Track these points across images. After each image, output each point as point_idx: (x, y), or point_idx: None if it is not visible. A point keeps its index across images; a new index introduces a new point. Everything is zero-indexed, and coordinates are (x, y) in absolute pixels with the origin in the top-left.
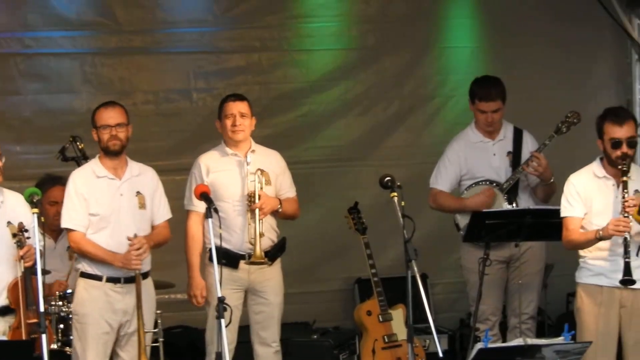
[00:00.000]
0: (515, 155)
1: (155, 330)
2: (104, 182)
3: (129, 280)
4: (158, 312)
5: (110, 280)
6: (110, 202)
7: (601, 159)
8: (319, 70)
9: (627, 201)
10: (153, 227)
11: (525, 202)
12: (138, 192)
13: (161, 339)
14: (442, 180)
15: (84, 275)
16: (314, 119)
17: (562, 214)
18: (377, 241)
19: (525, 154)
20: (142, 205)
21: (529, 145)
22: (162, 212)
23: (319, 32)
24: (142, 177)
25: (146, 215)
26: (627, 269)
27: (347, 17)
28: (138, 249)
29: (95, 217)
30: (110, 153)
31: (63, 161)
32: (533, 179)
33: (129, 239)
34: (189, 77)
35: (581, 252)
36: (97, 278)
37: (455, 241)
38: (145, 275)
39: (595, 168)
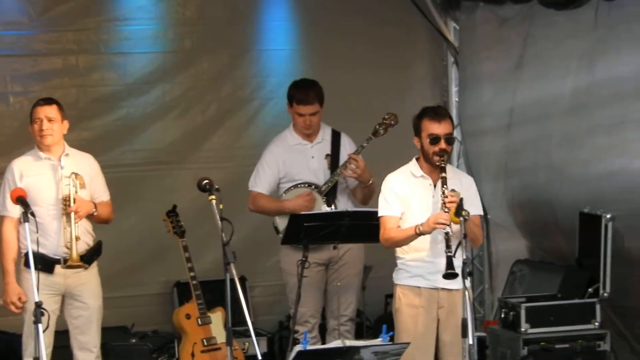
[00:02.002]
0: (333, 158)
1: None
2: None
3: None
4: None
5: None
6: None
7: (417, 159)
8: (137, 73)
9: (447, 196)
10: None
11: (344, 204)
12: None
13: None
14: (261, 182)
15: None
16: (131, 122)
17: (380, 213)
18: (195, 244)
19: (343, 156)
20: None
21: (347, 147)
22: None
23: (136, 34)
24: None
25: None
26: (450, 264)
27: (164, 20)
28: None
29: None
30: None
31: None
32: (352, 181)
33: None
34: (5, 81)
35: (399, 254)
36: None
37: (274, 244)
38: None
39: (412, 167)
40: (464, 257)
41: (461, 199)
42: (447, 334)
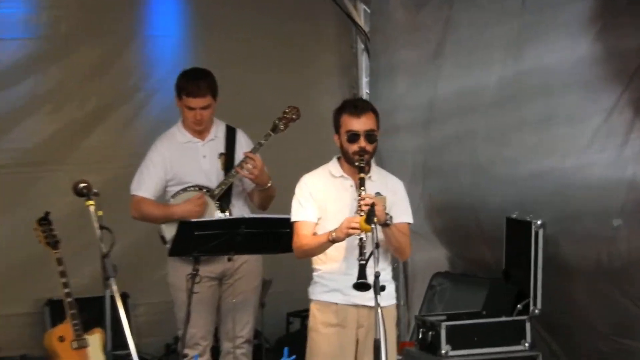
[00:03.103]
0: (228, 157)
1: None
2: None
3: None
4: None
5: None
6: None
7: (339, 158)
8: (4, 63)
9: (363, 199)
10: None
11: (239, 209)
12: None
13: None
14: (145, 186)
15: None
16: None
17: (293, 218)
18: (71, 256)
19: (239, 156)
20: None
21: (243, 145)
22: None
23: (4, 19)
24: None
25: None
26: (362, 272)
27: (36, 2)
28: None
29: None
30: None
31: None
32: (248, 183)
33: None
34: None
35: (314, 264)
36: None
37: (161, 255)
38: None
39: (332, 167)
40: (376, 270)
41: (372, 204)
42: (367, 357)
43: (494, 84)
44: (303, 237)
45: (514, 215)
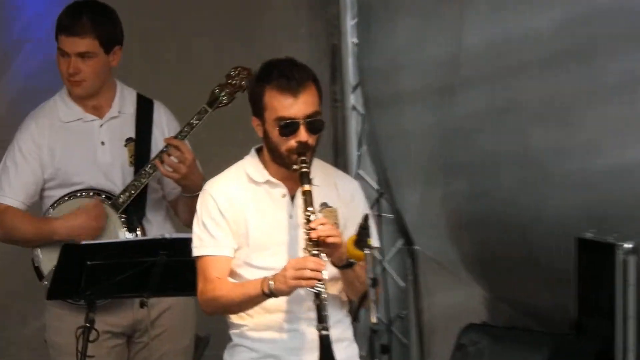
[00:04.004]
0: (140, 145)
1: None
2: None
3: None
4: None
5: None
6: None
7: (259, 152)
8: None
9: (311, 227)
10: None
11: (158, 227)
12: None
13: None
14: (11, 188)
15: None
16: None
17: (196, 252)
18: None
19: (158, 143)
20: None
21: (164, 126)
22: None
23: None
24: None
25: None
26: (326, 349)
27: None
28: None
29: None
30: None
31: None
32: (171, 186)
33: None
34: None
35: (234, 319)
36: None
37: (36, 297)
38: None
39: (251, 167)
40: (374, 322)
41: (366, 217)
42: None
43: (553, 30)
44: (216, 283)
45: (587, 235)
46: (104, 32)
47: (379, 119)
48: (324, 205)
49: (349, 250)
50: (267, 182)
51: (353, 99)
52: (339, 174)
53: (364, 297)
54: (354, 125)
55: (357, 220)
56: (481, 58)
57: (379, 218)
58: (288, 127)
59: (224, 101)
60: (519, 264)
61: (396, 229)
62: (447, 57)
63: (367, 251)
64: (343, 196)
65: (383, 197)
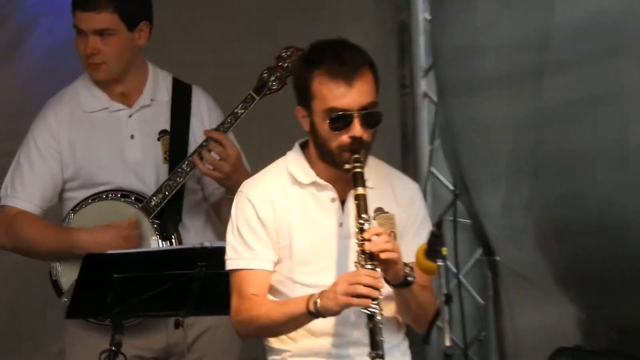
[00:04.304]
0: (176, 139)
1: None
2: None
3: None
4: None
5: None
6: None
7: (303, 148)
8: None
9: (364, 238)
10: None
11: (196, 234)
12: None
13: None
14: (25, 190)
15: None
16: None
17: (230, 266)
18: None
19: (197, 136)
20: None
21: (204, 117)
22: None
23: None
24: None
25: None
26: None
27: None
28: None
29: None
30: None
31: None
32: (212, 186)
33: None
34: None
35: (274, 343)
36: None
37: (54, 315)
38: None
39: (295, 166)
40: (447, 345)
41: (439, 222)
42: None
43: None
44: (253, 301)
45: None
46: (124, 5)
47: (455, 109)
48: (380, 210)
49: (418, 262)
50: (314, 183)
51: (424, 85)
52: (396, 174)
53: (435, 318)
54: (425, 115)
55: (415, 228)
56: (576, 36)
57: (454, 224)
58: (340, 119)
59: (274, 87)
60: (620, 278)
61: (474, 236)
62: (534, 34)
63: (440, 262)
64: (401, 200)
65: (459, 199)
